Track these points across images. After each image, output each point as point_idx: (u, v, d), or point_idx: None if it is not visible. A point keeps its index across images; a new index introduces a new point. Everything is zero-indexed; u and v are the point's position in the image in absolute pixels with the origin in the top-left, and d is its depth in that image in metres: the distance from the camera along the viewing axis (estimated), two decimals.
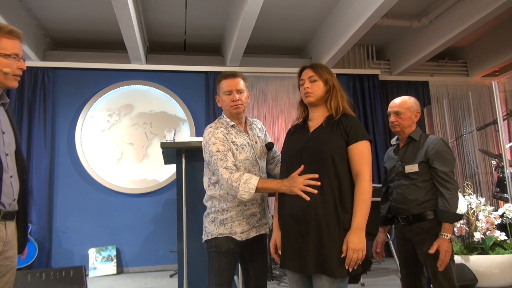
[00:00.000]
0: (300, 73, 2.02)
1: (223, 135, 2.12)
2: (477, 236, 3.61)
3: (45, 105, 5.37)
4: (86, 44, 5.96)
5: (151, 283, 4.44)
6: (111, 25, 5.17)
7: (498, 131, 4.58)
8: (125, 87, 5.71)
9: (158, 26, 5.64)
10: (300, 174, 1.83)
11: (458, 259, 3.56)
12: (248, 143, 2.18)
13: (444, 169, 2.26)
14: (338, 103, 1.92)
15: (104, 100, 5.63)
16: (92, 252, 5.16)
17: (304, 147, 1.87)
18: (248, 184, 1.95)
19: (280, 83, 6.11)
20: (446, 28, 5.31)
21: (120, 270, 5.23)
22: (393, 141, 2.61)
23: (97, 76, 5.65)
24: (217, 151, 2.06)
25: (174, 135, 3.45)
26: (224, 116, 2.24)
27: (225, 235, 2.10)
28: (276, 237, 1.93)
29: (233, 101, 2.17)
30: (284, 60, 6.44)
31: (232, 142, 2.13)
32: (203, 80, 5.87)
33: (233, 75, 2.21)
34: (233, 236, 2.09)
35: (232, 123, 2.20)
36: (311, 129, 1.93)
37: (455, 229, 3.71)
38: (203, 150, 2.16)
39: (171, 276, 4.70)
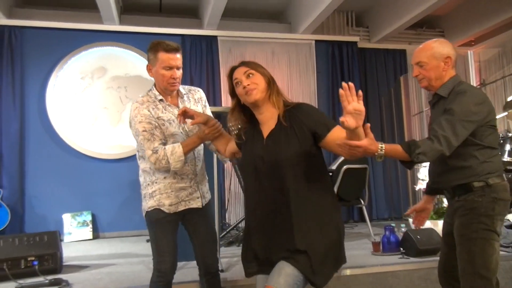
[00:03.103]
0: (230, 75, 1.84)
1: (148, 111, 2.05)
2: (446, 202, 3.74)
3: (13, 66, 5.13)
4: (56, 2, 5.64)
5: (127, 247, 4.45)
6: None
7: None
8: (97, 48, 5.48)
9: None
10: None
11: (427, 224, 3.70)
12: (175, 117, 2.11)
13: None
14: (281, 98, 1.79)
15: (76, 62, 5.41)
16: (67, 217, 5.11)
17: (261, 159, 1.75)
18: (175, 154, 1.98)
19: (258, 48, 6.01)
20: None
21: (96, 235, 5.22)
22: (428, 97, 2.15)
23: (68, 36, 5.40)
24: (143, 131, 2.01)
25: None
26: (154, 88, 2.15)
27: (154, 207, 2.10)
28: None
29: (173, 78, 2.07)
30: (262, 24, 6.30)
31: (158, 117, 2.06)
32: (179, 43, 5.68)
33: (175, 49, 2.08)
34: (161, 208, 2.09)
35: (160, 97, 2.12)
36: (265, 134, 1.79)
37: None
38: (129, 125, 2.11)
39: (147, 241, 4.72)
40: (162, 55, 2.06)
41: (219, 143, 2.09)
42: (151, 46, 2.12)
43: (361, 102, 1.49)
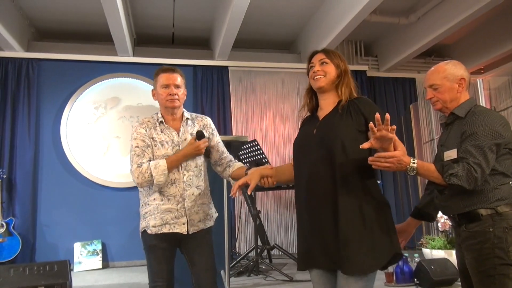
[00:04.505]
0: (310, 58, 1.90)
1: (145, 130, 2.16)
2: None
3: (29, 97, 5.28)
4: (71, 35, 5.86)
5: (137, 277, 4.41)
6: (97, 16, 5.08)
7: None
8: (111, 79, 5.63)
9: (145, 18, 5.57)
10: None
11: (441, 254, 3.62)
12: (172, 140, 2.18)
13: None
14: (351, 90, 1.83)
15: (90, 93, 5.54)
16: (77, 246, 5.10)
17: (313, 137, 1.77)
18: (159, 167, 2.06)
19: (268, 78, 6.09)
20: (433, 26, 5.35)
21: (105, 265, 5.19)
22: (441, 119, 2.07)
23: (83, 68, 5.56)
24: (136, 146, 2.13)
25: None
26: (159, 112, 2.26)
27: (143, 229, 2.16)
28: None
29: (170, 94, 2.17)
30: (273, 55, 6.42)
31: (152, 138, 2.16)
32: (191, 74, 5.81)
33: (172, 70, 2.24)
34: (147, 230, 2.13)
35: (161, 119, 2.21)
36: (321, 118, 1.82)
37: (439, 224, 3.76)
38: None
39: None
40: (161, 76, 2.22)
41: (281, 179, 1.99)
42: (154, 74, 2.29)
43: (393, 132, 1.52)
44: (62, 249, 5.12)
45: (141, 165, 2.08)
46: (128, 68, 5.69)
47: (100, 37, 5.71)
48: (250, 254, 4.55)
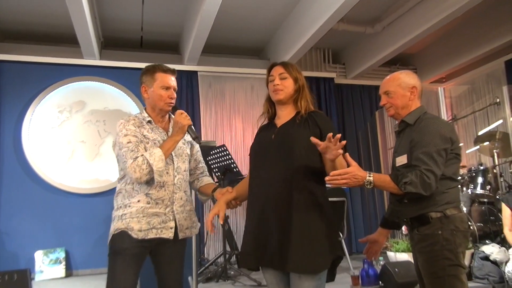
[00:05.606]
0: (269, 70, 1.98)
1: (134, 126, 2.06)
2: None
3: None
4: (36, 37, 5.68)
5: (101, 285, 4.29)
6: (63, 18, 4.95)
7: None
8: (77, 83, 5.48)
9: (113, 21, 5.48)
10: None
11: (405, 256, 3.71)
12: (163, 140, 2.10)
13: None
14: (308, 104, 1.92)
15: (54, 96, 5.38)
16: (39, 254, 4.92)
17: (271, 142, 1.85)
18: (154, 154, 1.96)
19: (238, 83, 6.11)
20: (397, 35, 5.54)
21: (69, 273, 5.02)
22: (395, 127, 2.19)
23: (47, 70, 5.39)
24: (128, 142, 1.99)
25: None
26: (144, 111, 2.17)
27: (120, 230, 1.97)
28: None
29: (171, 98, 2.13)
30: (242, 60, 6.45)
31: (144, 135, 2.06)
32: None
33: (173, 71, 2.17)
34: (129, 232, 1.97)
35: (149, 118, 2.13)
36: (279, 125, 1.92)
37: (403, 227, 3.86)
38: (114, 143, 2.10)
39: None
40: (160, 75, 2.12)
41: (245, 197, 2.04)
42: (147, 69, 2.17)
43: (340, 150, 1.64)
44: (23, 258, 4.92)
45: (136, 158, 1.94)
46: (95, 71, 5.57)
47: (66, 39, 5.56)
48: (218, 260, 4.53)
